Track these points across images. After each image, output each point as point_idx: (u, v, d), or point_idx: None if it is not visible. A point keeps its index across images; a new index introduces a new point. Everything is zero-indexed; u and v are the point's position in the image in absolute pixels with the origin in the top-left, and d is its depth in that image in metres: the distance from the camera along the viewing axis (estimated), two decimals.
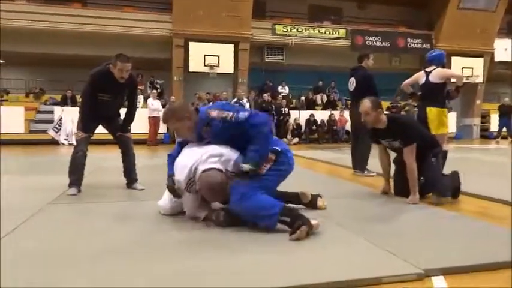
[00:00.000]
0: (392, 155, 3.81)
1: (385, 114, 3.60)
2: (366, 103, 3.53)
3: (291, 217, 2.40)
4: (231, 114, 2.59)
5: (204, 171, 2.55)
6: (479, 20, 16.36)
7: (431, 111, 4.77)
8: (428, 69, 4.89)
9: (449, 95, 4.95)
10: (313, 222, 2.37)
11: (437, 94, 4.81)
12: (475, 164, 6.97)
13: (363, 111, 3.54)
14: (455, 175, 3.72)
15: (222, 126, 2.61)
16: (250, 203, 2.46)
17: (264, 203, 2.47)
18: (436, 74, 4.79)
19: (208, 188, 2.53)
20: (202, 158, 2.60)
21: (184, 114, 2.74)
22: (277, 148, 2.69)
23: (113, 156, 5.23)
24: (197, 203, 2.75)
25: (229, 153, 2.66)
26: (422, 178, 3.51)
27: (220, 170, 2.58)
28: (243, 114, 2.59)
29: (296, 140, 13.87)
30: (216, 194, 2.57)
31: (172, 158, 2.86)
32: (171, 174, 2.76)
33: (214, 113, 2.62)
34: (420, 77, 4.96)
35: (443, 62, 5.05)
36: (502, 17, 16.98)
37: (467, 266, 1.97)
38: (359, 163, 5.45)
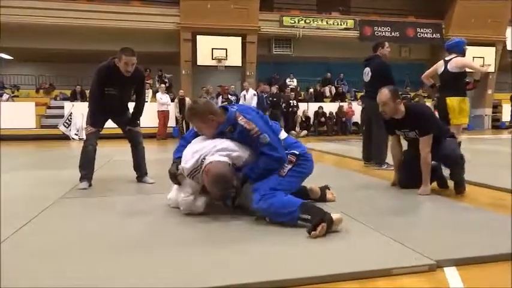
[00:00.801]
0: (404, 146, 3.74)
1: (404, 104, 3.48)
2: (384, 92, 3.42)
3: (312, 214, 2.37)
4: (256, 129, 2.62)
5: (213, 161, 2.55)
6: (491, 8, 16.04)
7: (451, 101, 4.67)
8: (447, 58, 4.78)
9: (466, 86, 4.85)
10: (334, 216, 2.31)
11: (456, 83, 4.69)
12: (487, 155, 6.88)
13: (381, 101, 3.43)
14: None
15: (244, 134, 2.65)
16: (272, 202, 2.48)
17: (286, 202, 2.50)
18: (455, 62, 4.69)
19: (213, 178, 2.51)
20: (212, 150, 2.60)
21: (206, 115, 2.71)
22: (296, 152, 2.74)
23: (122, 150, 5.26)
24: (195, 190, 2.73)
25: (241, 150, 2.66)
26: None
27: (228, 164, 2.58)
28: (264, 138, 2.61)
29: (305, 132, 13.83)
30: (218, 185, 2.55)
31: (184, 141, 2.88)
32: (176, 160, 2.78)
33: (242, 120, 2.64)
34: (439, 66, 4.85)
35: (463, 50, 4.88)
36: None
37: (479, 257, 1.95)
38: (376, 156, 5.25)
